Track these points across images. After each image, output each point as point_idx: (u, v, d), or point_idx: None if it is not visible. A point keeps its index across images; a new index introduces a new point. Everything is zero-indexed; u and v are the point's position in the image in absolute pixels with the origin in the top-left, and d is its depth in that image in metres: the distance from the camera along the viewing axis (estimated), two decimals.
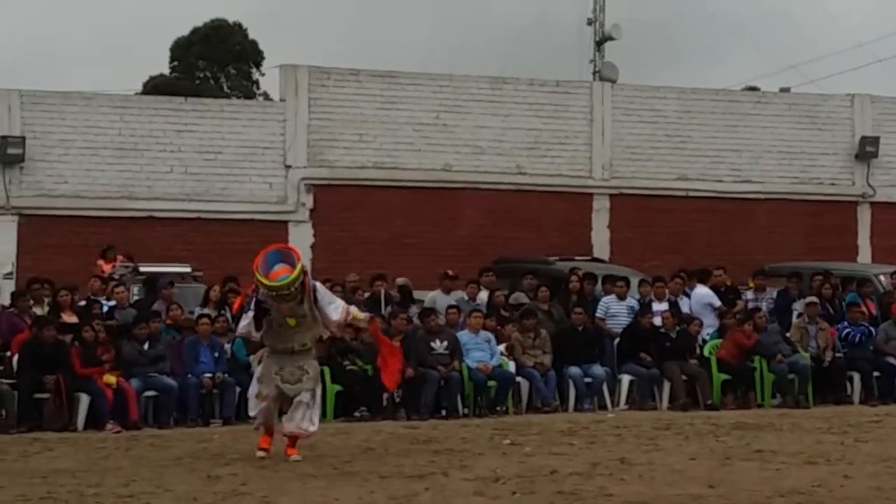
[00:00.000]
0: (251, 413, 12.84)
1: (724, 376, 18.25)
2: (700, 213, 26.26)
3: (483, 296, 19.32)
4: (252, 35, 50.43)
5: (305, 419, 12.32)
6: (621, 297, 19.24)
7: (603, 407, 17.87)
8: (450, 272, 19.76)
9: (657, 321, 18.67)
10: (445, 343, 17.25)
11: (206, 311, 17.39)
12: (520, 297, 19.64)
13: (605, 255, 24.90)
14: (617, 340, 18.73)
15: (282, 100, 24.87)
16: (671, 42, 60.77)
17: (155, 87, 43.84)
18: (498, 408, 17.15)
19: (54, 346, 15.54)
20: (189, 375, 16.14)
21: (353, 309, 12.81)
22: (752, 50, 61.24)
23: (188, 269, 20.63)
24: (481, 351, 17.49)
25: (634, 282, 19.83)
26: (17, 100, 23.06)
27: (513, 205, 25.23)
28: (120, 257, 21.09)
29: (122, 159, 23.53)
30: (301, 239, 23.04)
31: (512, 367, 17.58)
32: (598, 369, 18.01)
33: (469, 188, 25.19)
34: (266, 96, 44.65)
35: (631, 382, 18.20)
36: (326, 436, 13.48)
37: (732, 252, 24.97)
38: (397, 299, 19.10)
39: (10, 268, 22.61)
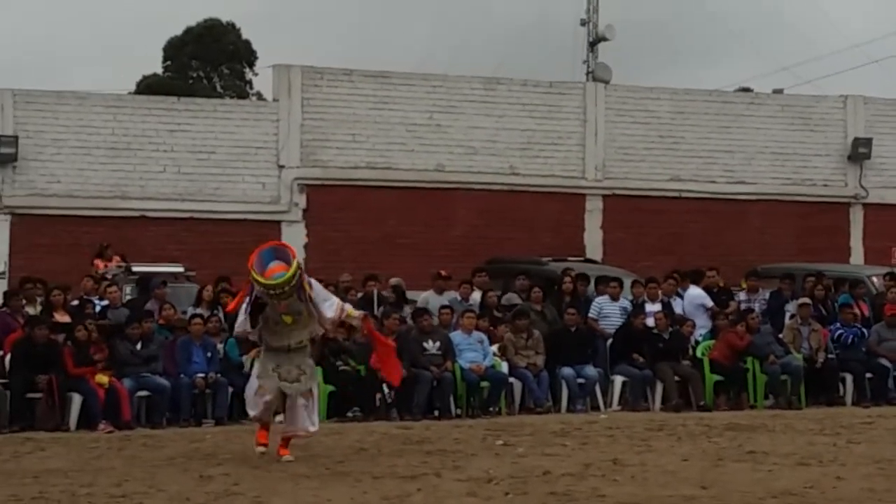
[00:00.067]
0: (251, 413, 12.68)
1: (717, 377, 18.26)
2: (693, 214, 26.26)
3: (476, 296, 19.33)
4: (245, 35, 50.51)
5: (307, 420, 12.31)
6: (614, 298, 19.25)
7: (595, 408, 17.87)
8: (443, 272, 19.76)
9: (650, 322, 18.67)
10: (438, 343, 17.24)
11: (198, 311, 17.38)
12: (512, 297, 19.63)
13: (598, 256, 24.91)
14: (610, 341, 18.74)
15: (275, 100, 24.85)
16: (665, 43, 60.91)
17: (148, 86, 43.82)
18: (491, 408, 17.14)
19: (47, 345, 15.52)
20: (182, 375, 16.12)
21: (348, 307, 12.74)
22: (745, 51, 61.38)
23: (181, 269, 20.59)
24: (474, 351, 17.49)
25: (627, 283, 19.84)
26: (10, 99, 23.02)
27: (506, 205, 25.22)
28: (116, 257, 21.08)
29: (115, 159, 23.49)
30: (294, 239, 22.96)
31: (505, 367, 17.58)
32: (590, 370, 18.01)
33: (462, 188, 25.18)
34: (259, 96, 44.64)
35: (624, 383, 18.20)
36: (319, 436, 13.43)
37: (725, 253, 24.98)
38: (391, 299, 19.09)
39: (3, 267, 22.57)
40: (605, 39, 35.43)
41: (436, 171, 25.10)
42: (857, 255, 27.09)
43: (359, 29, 63.21)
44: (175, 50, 49.76)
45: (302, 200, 24.37)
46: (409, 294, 19.82)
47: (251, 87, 50.01)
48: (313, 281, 12.50)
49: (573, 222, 25.81)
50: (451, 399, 17.01)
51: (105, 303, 17.77)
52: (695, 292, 19.90)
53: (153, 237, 23.16)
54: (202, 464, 12.10)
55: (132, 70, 63.49)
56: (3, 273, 22.42)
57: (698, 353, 18.61)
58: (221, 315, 17.17)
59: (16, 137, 22.77)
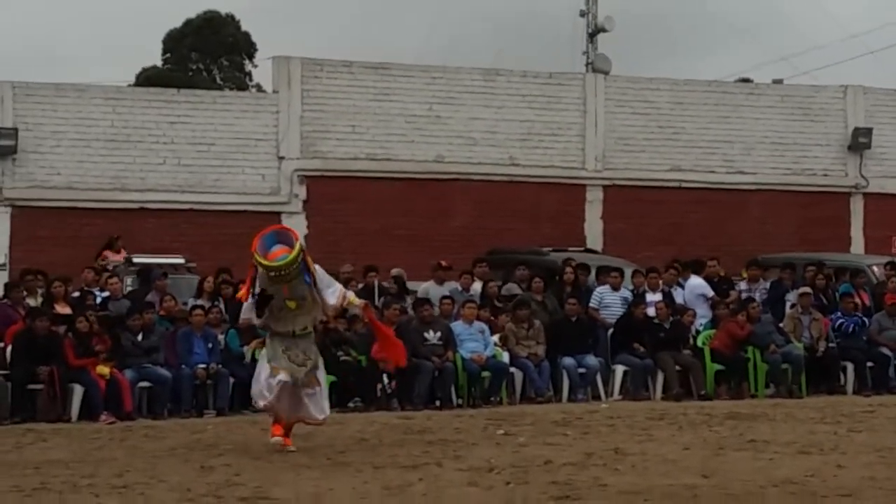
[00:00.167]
0: (261, 404, 12.31)
1: (718, 366, 18.28)
2: (693, 205, 26.24)
3: (477, 287, 19.34)
4: (245, 27, 50.44)
5: (317, 408, 12.31)
6: (615, 288, 19.26)
7: (597, 397, 17.90)
8: (443, 263, 19.76)
9: (651, 312, 18.69)
10: (439, 334, 17.26)
11: (199, 302, 17.39)
12: (513, 287, 19.64)
13: (598, 246, 24.88)
14: (611, 331, 18.75)
15: (275, 91, 24.82)
16: (664, 34, 60.80)
17: (148, 78, 43.73)
18: (492, 398, 17.17)
19: (48, 337, 15.54)
20: (183, 366, 16.13)
21: (350, 294, 12.71)
22: (745, 42, 61.29)
23: (181, 261, 20.62)
24: (475, 342, 17.50)
25: (628, 272, 19.86)
26: (10, 91, 22.99)
27: (506, 196, 25.20)
28: (123, 250, 21.09)
29: (115, 151, 23.46)
30: (294, 230, 22.97)
31: (506, 357, 17.60)
32: (591, 360, 18.02)
33: (462, 179, 25.16)
34: (259, 88, 44.58)
35: (625, 373, 18.22)
36: (320, 427, 13.45)
37: (726, 243, 24.97)
38: (392, 290, 19.10)
39: (3, 259, 22.58)
40: (604, 30, 35.47)
41: (436, 162, 25.08)
42: (858, 244, 27.08)
43: (357, 19, 63.20)
44: (174, 42, 49.69)
45: (302, 192, 24.36)
46: (410, 285, 19.82)
47: (251, 79, 49.99)
48: (317, 266, 12.41)
49: (573, 213, 25.79)
50: (453, 389, 17.02)
51: (106, 294, 17.79)
52: (695, 282, 19.91)
53: (153, 229, 23.14)
54: (203, 454, 12.10)
55: (132, 62, 63.57)
56: (4, 265, 22.42)
57: (699, 343, 18.62)
58: (222, 306, 17.19)
59: (15, 130, 22.74)
